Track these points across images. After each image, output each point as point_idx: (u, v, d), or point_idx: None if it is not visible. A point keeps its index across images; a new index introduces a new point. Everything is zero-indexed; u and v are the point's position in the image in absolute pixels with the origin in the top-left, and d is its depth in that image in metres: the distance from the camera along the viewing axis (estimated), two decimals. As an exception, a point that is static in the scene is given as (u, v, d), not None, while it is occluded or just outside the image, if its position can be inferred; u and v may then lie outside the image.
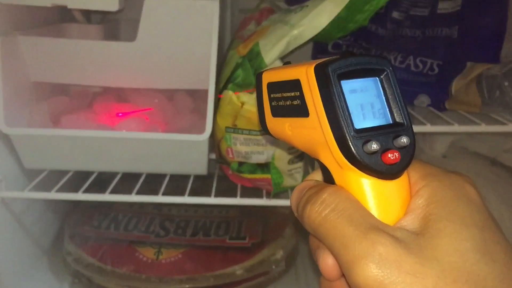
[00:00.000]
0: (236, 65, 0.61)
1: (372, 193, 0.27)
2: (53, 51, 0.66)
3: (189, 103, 0.78)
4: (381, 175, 0.26)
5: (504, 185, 0.82)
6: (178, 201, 0.62)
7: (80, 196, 0.61)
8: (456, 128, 0.60)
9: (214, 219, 0.77)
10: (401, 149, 0.26)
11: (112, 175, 0.72)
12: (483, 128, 0.60)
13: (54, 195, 0.61)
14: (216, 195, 0.64)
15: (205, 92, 0.78)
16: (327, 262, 0.28)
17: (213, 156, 0.72)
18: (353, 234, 0.25)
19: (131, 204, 0.80)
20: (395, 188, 0.27)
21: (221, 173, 0.72)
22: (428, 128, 0.60)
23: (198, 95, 0.80)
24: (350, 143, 0.26)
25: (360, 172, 0.26)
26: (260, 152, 0.62)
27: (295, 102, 0.29)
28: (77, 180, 0.70)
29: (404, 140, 0.26)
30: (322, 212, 0.26)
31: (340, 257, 0.25)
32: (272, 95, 0.32)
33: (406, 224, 0.26)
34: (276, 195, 0.64)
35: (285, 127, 0.31)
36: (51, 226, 0.80)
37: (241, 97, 0.60)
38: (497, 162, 0.85)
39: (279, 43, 0.56)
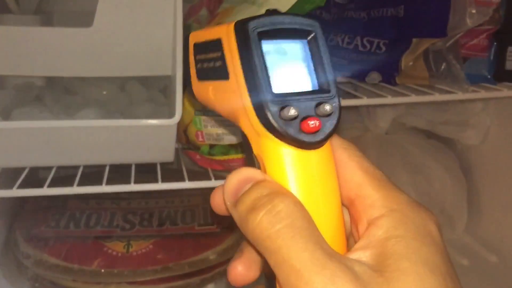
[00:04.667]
0: (203, 46, 0.60)
1: (291, 164, 0.25)
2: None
3: (142, 92, 0.76)
4: (299, 143, 0.24)
5: (443, 155, 0.89)
6: (151, 188, 0.61)
7: (46, 191, 0.57)
8: (414, 98, 0.64)
9: (178, 208, 0.76)
10: (323, 117, 0.25)
11: (70, 170, 0.69)
12: (436, 97, 0.65)
13: (17, 192, 0.57)
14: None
15: (159, 79, 0.77)
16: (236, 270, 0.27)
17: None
18: (310, 262, 0.22)
19: (87, 201, 0.76)
20: (315, 159, 0.25)
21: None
22: (389, 100, 0.64)
23: (150, 84, 0.78)
24: (265, 108, 0.24)
25: (278, 140, 0.25)
26: (233, 133, 0.62)
27: (217, 64, 0.27)
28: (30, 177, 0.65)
29: (327, 107, 0.25)
30: (275, 225, 0.23)
31: (287, 282, 0.22)
32: (197, 57, 0.30)
33: (363, 257, 0.23)
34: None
35: (209, 91, 0.29)
36: (-1, 231, 0.74)
37: (211, 78, 0.59)
38: (433, 135, 0.92)
39: (249, 22, 0.57)
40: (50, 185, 0.59)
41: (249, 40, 0.24)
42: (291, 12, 0.61)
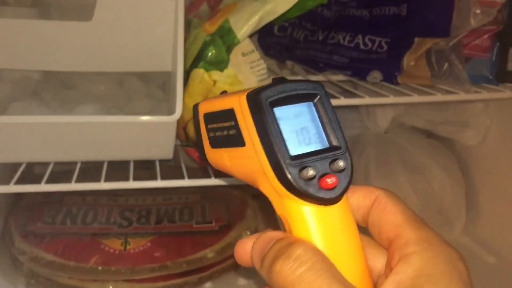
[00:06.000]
0: (205, 43, 0.59)
1: (313, 220, 0.26)
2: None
3: (140, 88, 0.75)
4: (320, 200, 0.26)
5: (442, 154, 0.88)
6: (150, 186, 0.60)
7: (44, 187, 0.57)
8: (416, 98, 0.64)
9: (176, 206, 0.75)
10: (338, 172, 0.27)
11: (66, 165, 0.68)
12: (438, 97, 0.64)
13: (14, 188, 0.56)
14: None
15: (157, 74, 0.76)
16: None
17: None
18: None
19: (83, 197, 0.75)
20: (335, 213, 0.27)
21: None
22: (391, 99, 0.63)
23: (148, 79, 0.77)
24: (286, 171, 0.25)
25: (299, 199, 0.26)
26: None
27: (231, 132, 0.29)
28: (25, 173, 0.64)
29: (341, 164, 0.26)
30: (297, 270, 0.24)
31: None
32: (209, 126, 0.32)
33: None
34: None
35: (224, 157, 0.31)
36: (-7, 227, 0.73)
37: (212, 75, 0.59)
38: (432, 135, 0.92)
39: (252, 19, 0.56)
40: (47, 181, 0.58)
41: (262, 110, 0.26)
42: (295, 7, 0.60)
